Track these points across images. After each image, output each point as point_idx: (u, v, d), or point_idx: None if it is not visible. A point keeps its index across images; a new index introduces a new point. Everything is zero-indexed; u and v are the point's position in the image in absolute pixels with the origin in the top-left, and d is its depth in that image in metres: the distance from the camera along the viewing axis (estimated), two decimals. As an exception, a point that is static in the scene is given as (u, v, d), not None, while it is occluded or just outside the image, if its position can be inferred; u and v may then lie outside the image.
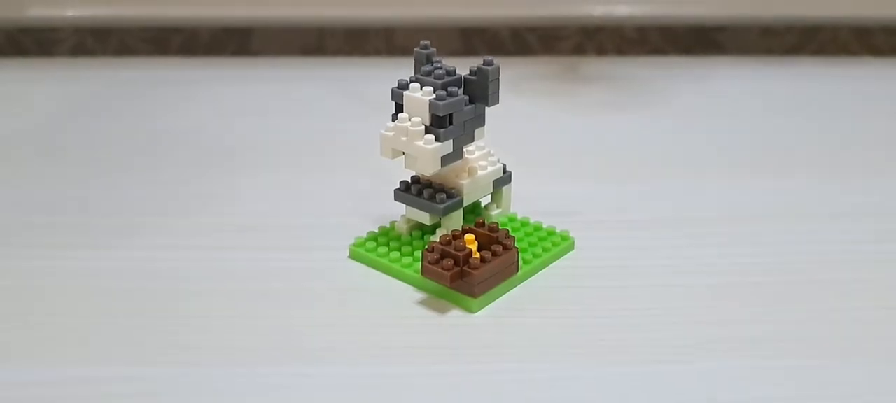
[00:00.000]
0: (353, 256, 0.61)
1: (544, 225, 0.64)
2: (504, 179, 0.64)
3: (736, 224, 0.66)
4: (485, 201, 0.65)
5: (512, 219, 0.64)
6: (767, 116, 0.86)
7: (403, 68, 1.01)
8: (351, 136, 0.80)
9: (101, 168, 0.75)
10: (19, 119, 0.85)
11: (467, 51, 1.04)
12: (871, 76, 0.98)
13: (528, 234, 0.62)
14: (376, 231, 0.63)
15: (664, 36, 1.04)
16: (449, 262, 0.56)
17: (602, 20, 1.02)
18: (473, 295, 0.56)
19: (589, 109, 0.88)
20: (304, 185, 0.72)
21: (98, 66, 1.00)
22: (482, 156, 0.63)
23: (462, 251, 0.56)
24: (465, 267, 0.56)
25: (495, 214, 0.64)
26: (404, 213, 0.63)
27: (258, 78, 0.96)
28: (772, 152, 0.79)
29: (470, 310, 0.56)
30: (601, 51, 1.05)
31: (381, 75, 0.97)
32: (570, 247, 0.62)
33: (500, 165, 0.64)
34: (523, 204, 0.66)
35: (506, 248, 0.58)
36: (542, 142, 0.80)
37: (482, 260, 0.56)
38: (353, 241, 0.62)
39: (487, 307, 0.57)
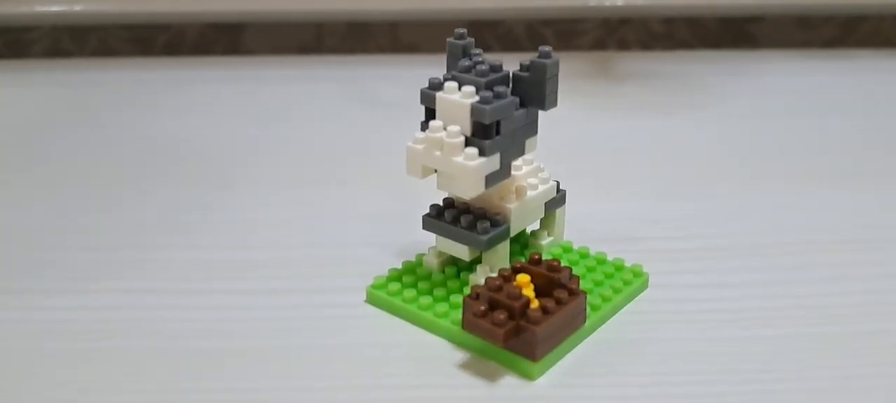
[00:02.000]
0: (372, 300, 0.45)
1: (609, 258, 0.47)
2: (557, 201, 0.47)
3: (844, 248, 0.50)
4: (531, 227, 0.48)
5: (567, 250, 0.48)
6: (824, 115, 0.69)
7: (411, 66, 0.85)
8: (363, 146, 0.63)
9: (76, 188, 0.57)
10: (-21, 128, 0.68)
11: (478, 47, 0.87)
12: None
13: (590, 270, 0.46)
14: (400, 267, 0.46)
15: (692, 28, 0.88)
16: (501, 315, 0.39)
17: (626, 11, 0.85)
18: (534, 357, 0.39)
19: (631, 112, 0.70)
20: (309, 207, 0.54)
21: (75, 68, 0.82)
22: (531, 173, 0.46)
23: (517, 299, 0.40)
24: (523, 321, 0.40)
25: (546, 244, 0.48)
26: (434, 245, 0.46)
27: (252, 79, 0.78)
28: (846, 156, 0.62)
29: (529, 377, 0.40)
30: (623, 45, 0.88)
31: (388, 74, 0.81)
32: (645, 285, 0.46)
33: (552, 183, 0.47)
34: (575, 230, 0.49)
35: (571, 294, 0.41)
36: (583, 153, 0.62)
37: (544, 310, 0.40)
38: (371, 281, 0.45)
39: (550, 370, 0.40)
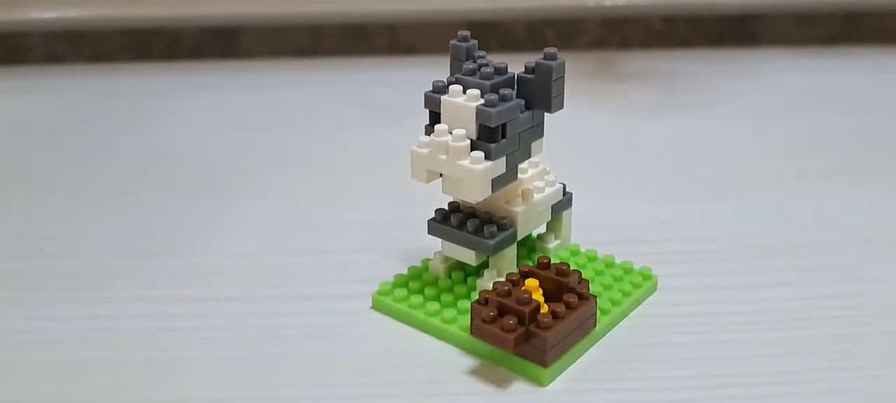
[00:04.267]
0: (378, 307, 0.44)
1: (617, 261, 0.46)
2: (564, 203, 0.47)
3: (858, 248, 0.49)
4: (537, 230, 0.48)
5: (575, 253, 0.47)
6: (829, 113, 0.69)
7: (410, 68, 0.85)
8: (363, 150, 0.62)
9: (68, 196, 0.57)
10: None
11: (478, 48, 0.87)
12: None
13: (599, 273, 0.45)
14: (406, 273, 0.46)
15: (693, 26, 0.87)
16: (511, 320, 0.38)
17: (627, 10, 0.85)
18: (544, 363, 0.39)
19: (636, 112, 0.69)
20: (310, 213, 0.54)
21: (71, 74, 0.81)
22: (537, 175, 0.46)
23: (527, 304, 0.39)
24: (533, 327, 0.39)
25: (553, 247, 0.47)
26: (440, 250, 0.45)
27: (249, 83, 0.78)
28: (855, 155, 0.61)
29: (540, 383, 0.39)
30: (624, 44, 0.87)
31: (387, 77, 0.80)
32: (653, 288, 0.45)
33: (559, 186, 0.46)
34: (582, 233, 0.49)
35: (581, 298, 0.40)
36: (587, 153, 0.62)
37: (554, 316, 0.39)
38: (376, 287, 0.45)
39: (560, 376, 0.40)
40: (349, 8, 0.84)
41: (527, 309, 0.39)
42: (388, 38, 0.88)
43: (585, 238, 0.48)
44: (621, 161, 0.61)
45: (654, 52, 0.85)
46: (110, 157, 0.62)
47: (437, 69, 0.45)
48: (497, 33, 0.87)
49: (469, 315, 0.42)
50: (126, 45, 0.86)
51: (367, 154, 0.62)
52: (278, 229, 0.52)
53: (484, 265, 0.44)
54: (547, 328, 0.38)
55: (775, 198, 0.55)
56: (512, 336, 0.38)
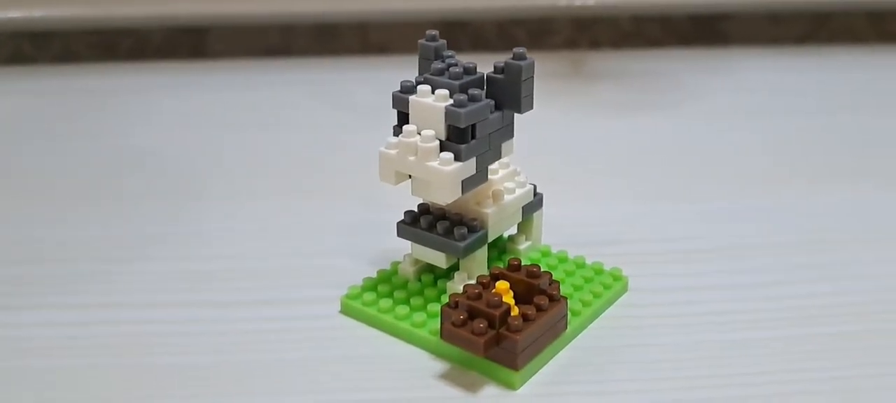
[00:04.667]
0: (347, 311, 0.43)
1: (588, 262, 0.46)
2: (534, 204, 0.46)
3: (825, 248, 0.49)
4: (508, 232, 0.47)
5: (545, 254, 0.47)
6: (801, 112, 0.69)
7: (381, 68, 0.84)
8: (332, 151, 0.62)
9: (38, 200, 0.56)
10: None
11: (449, 48, 0.86)
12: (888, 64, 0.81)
13: (569, 274, 0.45)
14: (375, 276, 0.45)
15: (664, 26, 0.87)
16: (481, 324, 0.38)
17: (597, 10, 0.85)
18: (515, 366, 0.38)
19: (606, 112, 0.69)
20: (279, 216, 0.53)
21: (37, 74, 0.80)
22: (507, 176, 0.45)
23: (497, 307, 0.38)
24: (503, 330, 0.39)
25: (524, 248, 0.47)
26: (410, 252, 0.45)
27: (218, 83, 0.77)
28: (826, 154, 0.61)
29: (510, 386, 0.39)
30: (595, 44, 0.87)
31: (357, 76, 0.79)
32: (624, 289, 0.45)
33: (529, 187, 0.46)
34: (553, 234, 0.48)
35: (552, 300, 0.40)
36: (558, 154, 0.61)
37: (524, 318, 0.39)
38: (345, 291, 0.44)
39: (531, 379, 0.39)
40: (320, 7, 0.84)
41: (497, 313, 0.38)
42: (360, 37, 0.87)
43: (555, 239, 0.48)
44: (592, 161, 0.61)
45: (625, 52, 0.85)
46: (79, 160, 0.61)
47: (410, 69, 0.45)
48: (468, 33, 0.87)
49: (439, 318, 0.41)
50: (93, 46, 0.85)
51: (337, 155, 0.61)
52: (244, 233, 0.51)
53: (454, 267, 0.44)
54: (517, 330, 0.38)
55: (746, 197, 0.55)
56: (482, 340, 0.38)
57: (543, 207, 0.47)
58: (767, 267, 0.48)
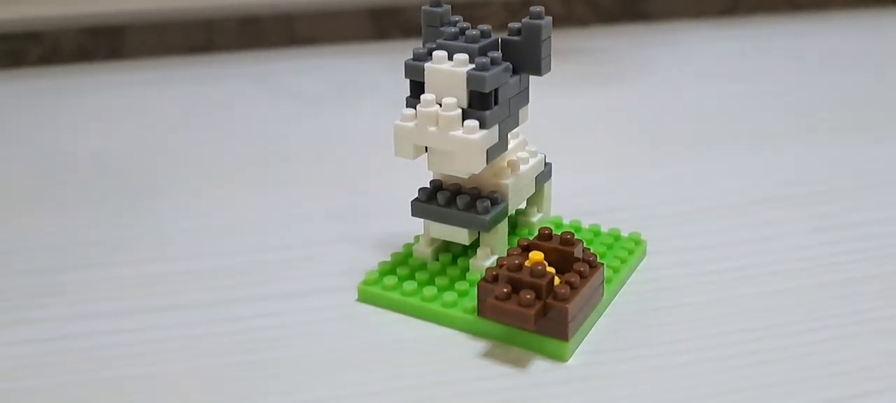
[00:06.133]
0: (365, 298, 0.41)
1: (603, 229, 0.45)
2: (545, 174, 0.45)
3: (824, 198, 0.50)
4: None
5: (559, 225, 0.45)
6: (745, 78, 0.70)
7: (311, 58, 0.81)
8: (289, 141, 0.59)
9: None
10: None
11: (380, 36, 0.84)
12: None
13: (589, 243, 0.43)
14: (389, 260, 0.43)
15: (589, 7, 0.87)
16: (528, 295, 0.36)
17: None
18: (566, 337, 0.37)
19: (564, 85, 0.67)
20: (262, 210, 0.49)
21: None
22: (519, 146, 0.44)
23: (542, 277, 0.37)
24: (550, 300, 0.37)
25: (537, 220, 0.45)
26: (423, 232, 0.42)
27: (140, 81, 0.72)
28: (788, 114, 0.62)
29: (560, 358, 0.37)
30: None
31: (291, 67, 0.76)
32: (644, 253, 0.44)
33: (541, 156, 0.44)
34: (559, 205, 0.47)
35: (592, 267, 0.38)
36: (528, 128, 0.59)
37: (570, 286, 0.37)
38: (361, 278, 0.41)
39: (577, 349, 0.38)
40: (243, 0, 0.80)
41: (543, 282, 0.36)
42: (286, 30, 0.83)
43: (562, 209, 0.46)
44: (568, 133, 0.59)
45: (561, 30, 0.84)
46: (8, 166, 0.56)
47: (344, 58, 0.42)
48: (399, 21, 0.85)
49: (470, 296, 0.39)
50: (1, 54, 0.78)
51: (295, 144, 0.58)
52: (224, 228, 0.47)
53: (475, 244, 0.42)
54: (566, 299, 0.36)
55: (728, 158, 0.55)
56: (532, 312, 0.36)
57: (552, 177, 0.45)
58: (776, 220, 0.47)
